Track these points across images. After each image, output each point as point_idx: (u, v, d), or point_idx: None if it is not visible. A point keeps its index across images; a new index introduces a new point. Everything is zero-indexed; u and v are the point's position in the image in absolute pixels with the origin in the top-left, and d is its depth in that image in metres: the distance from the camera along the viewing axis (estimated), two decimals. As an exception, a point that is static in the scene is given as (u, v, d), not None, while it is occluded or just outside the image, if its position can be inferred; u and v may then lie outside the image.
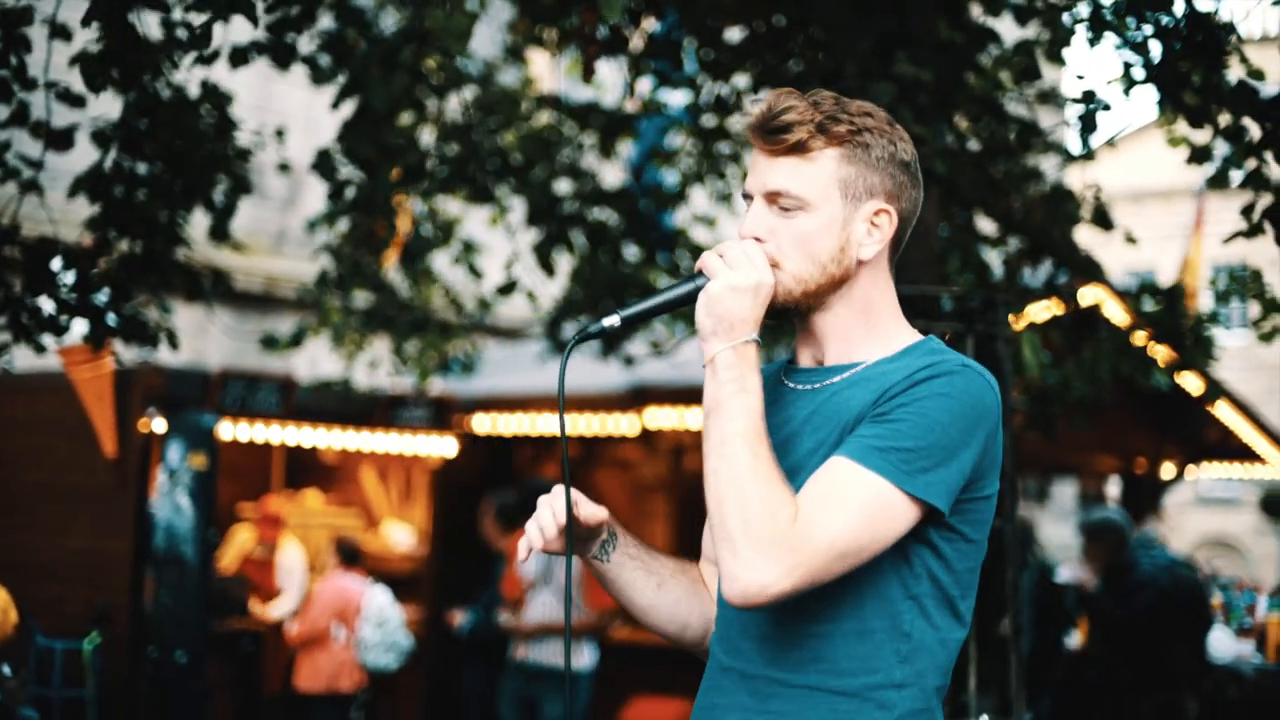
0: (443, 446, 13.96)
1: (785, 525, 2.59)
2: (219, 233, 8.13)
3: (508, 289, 10.62)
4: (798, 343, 3.00)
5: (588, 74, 8.72)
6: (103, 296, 7.54)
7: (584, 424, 14.20)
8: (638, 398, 13.55)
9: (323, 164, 9.21)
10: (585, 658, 10.34)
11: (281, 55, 8.00)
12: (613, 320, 2.86)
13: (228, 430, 11.91)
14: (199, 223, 8.26)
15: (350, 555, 11.94)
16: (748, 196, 2.91)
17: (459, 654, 11.99)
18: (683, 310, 2.94)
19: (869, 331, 2.91)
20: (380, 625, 11.46)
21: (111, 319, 7.54)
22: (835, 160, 2.82)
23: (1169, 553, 11.49)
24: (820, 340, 2.93)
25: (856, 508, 2.62)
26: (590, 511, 2.97)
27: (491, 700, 11.07)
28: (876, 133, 2.84)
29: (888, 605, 2.75)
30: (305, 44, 8.49)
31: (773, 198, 2.84)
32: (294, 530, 13.84)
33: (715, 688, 2.90)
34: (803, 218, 2.82)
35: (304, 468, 14.92)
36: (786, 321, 2.94)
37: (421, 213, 10.94)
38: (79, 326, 7.55)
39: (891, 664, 2.75)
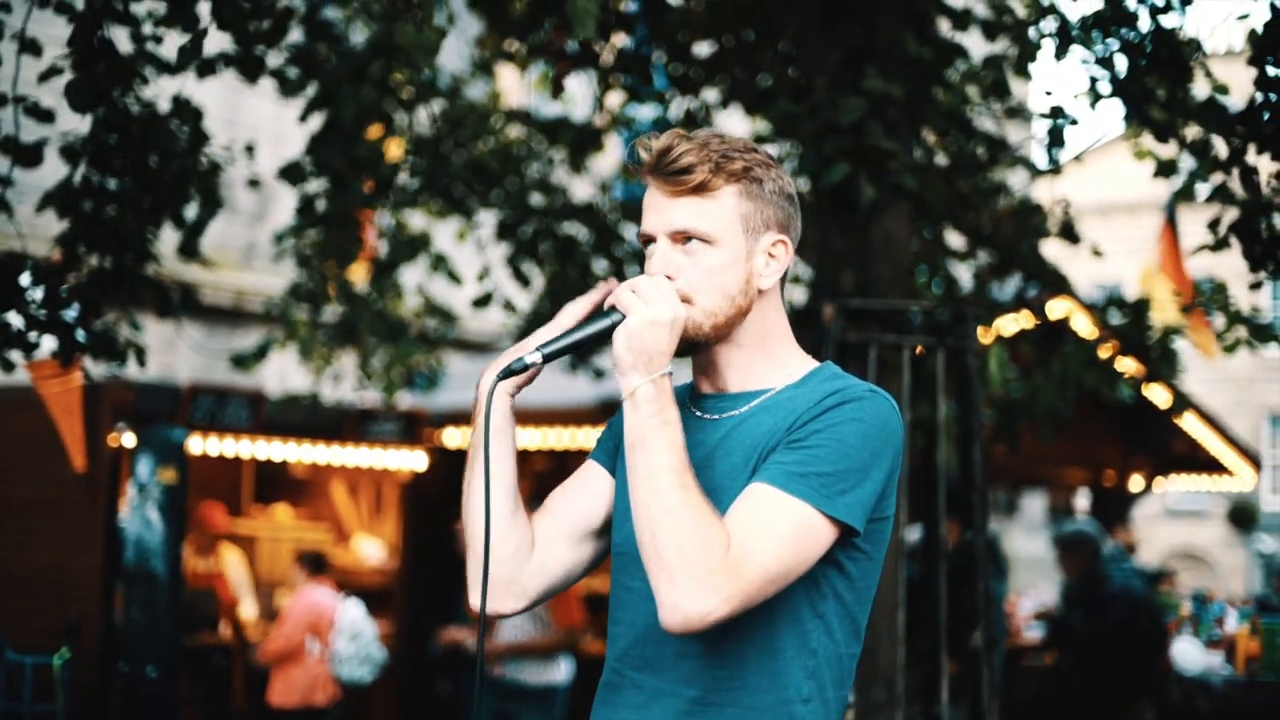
0: (413, 460, 13.95)
1: (720, 555, 2.66)
2: (189, 249, 8.12)
3: (484, 301, 10.62)
4: (695, 371, 3.08)
5: (557, 89, 8.73)
6: (72, 312, 7.52)
7: (554, 437, 14.22)
8: (607, 411, 13.56)
9: (292, 173, 9.19)
10: (561, 672, 10.33)
11: (250, 68, 8.00)
12: (534, 356, 2.93)
13: (197, 445, 11.89)
14: (168, 238, 8.25)
15: (316, 565, 11.91)
16: (647, 237, 2.99)
17: (435, 665, 11.99)
18: None
19: (768, 358, 3.01)
20: (354, 638, 11.44)
21: (80, 335, 7.52)
22: (734, 196, 2.92)
23: (1134, 564, 11.54)
24: (721, 370, 3.02)
25: (785, 533, 2.72)
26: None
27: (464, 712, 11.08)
28: (764, 167, 2.95)
29: (797, 625, 2.85)
30: (274, 58, 8.48)
31: (678, 236, 2.93)
32: (264, 544, 13.83)
33: (625, 703, 2.96)
34: (710, 253, 2.91)
35: (274, 482, 14.90)
36: (688, 355, 3.00)
37: (388, 226, 10.93)
38: (48, 343, 7.53)
39: (799, 679, 2.85)
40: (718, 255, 2.90)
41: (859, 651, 2.96)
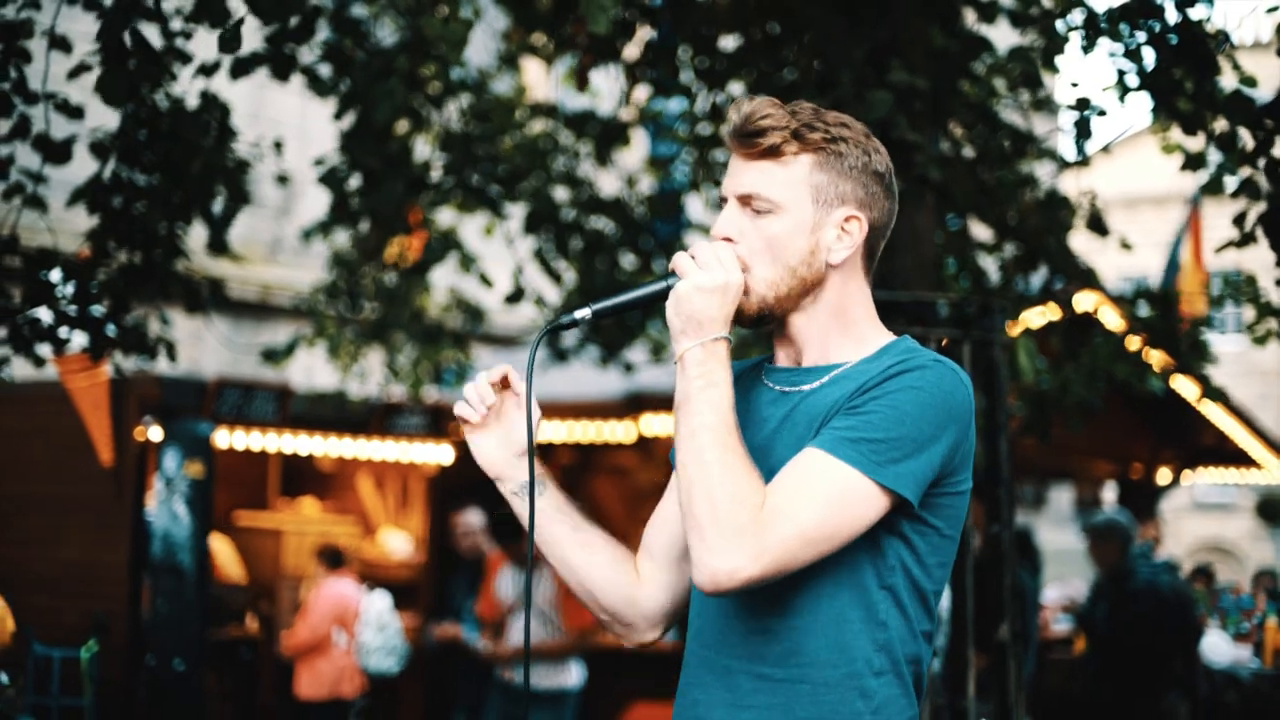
0: (439, 454, 13.97)
1: (751, 512, 2.64)
2: (217, 244, 8.14)
3: (515, 297, 10.62)
4: (775, 344, 3.04)
5: (581, 83, 8.72)
6: (101, 307, 7.55)
7: (580, 431, 14.21)
8: (634, 404, 13.56)
9: (330, 178, 9.24)
10: (573, 676, 10.31)
11: (281, 66, 8.02)
12: (584, 312, 2.92)
13: (224, 439, 11.92)
14: (196, 234, 8.27)
15: (334, 559, 11.95)
16: (723, 199, 2.96)
17: (455, 664, 11.99)
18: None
19: (844, 334, 2.95)
20: (381, 629, 11.47)
21: (110, 330, 7.55)
22: (808, 166, 2.87)
23: (1165, 559, 11.51)
24: (796, 342, 2.98)
25: (824, 495, 2.68)
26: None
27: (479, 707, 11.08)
28: (851, 143, 2.90)
29: (863, 595, 2.80)
30: (304, 55, 8.50)
31: (745, 200, 2.89)
32: (290, 538, 13.84)
33: (696, 683, 2.94)
34: (773, 220, 2.87)
35: (300, 476, 14.93)
36: (763, 327, 2.98)
37: (417, 223, 10.95)
38: (78, 338, 7.56)
39: (870, 651, 2.80)
40: (780, 223, 2.86)
41: (934, 630, 2.91)
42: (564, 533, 3.10)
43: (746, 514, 2.64)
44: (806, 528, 2.66)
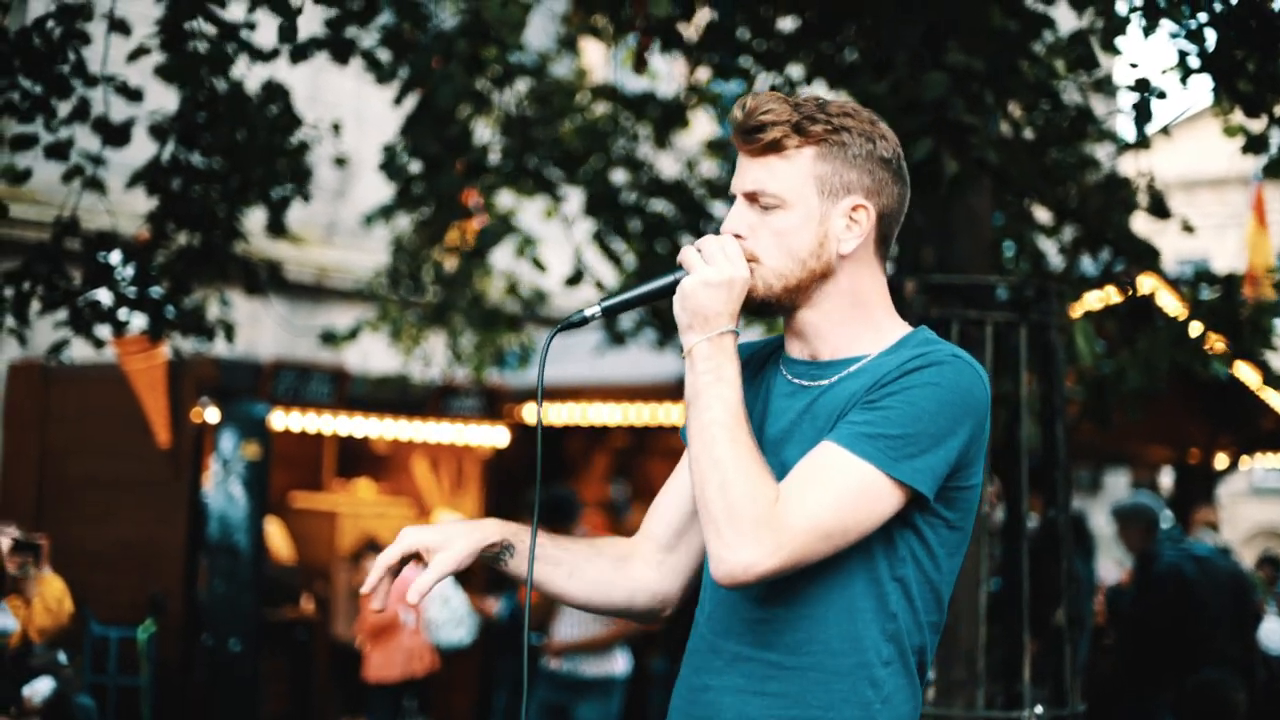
0: (494, 436, 14.00)
1: (766, 507, 2.66)
2: (276, 226, 8.17)
3: (575, 279, 10.62)
4: (787, 335, 3.04)
5: (640, 64, 8.71)
6: (160, 289, 7.59)
7: (634, 414, 14.22)
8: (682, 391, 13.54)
9: (390, 165, 9.27)
10: (619, 664, 10.31)
11: (340, 50, 8.05)
12: (593, 309, 2.92)
13: (280, 420, 11.97)
14: (254, 216, 8.30)
15: (376, 547, 12.01)
16: (732, 196, 2.96)
17: (495, 641, 12.02)
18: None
19: (860, 324, 2.95)
20: (446, 603, 11.52)
21: (169, 312, 7.59)
22: (811, 158, 2.87)
23: (1206, 544, 11.42)
24: (808, 335, 2.97)
25: (840, 490, 2.70)
26: (455, 557, 2.96)
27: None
28: (855, 131, 2.89)
29: (875, 585, 2.82)
30: (364, 39, 8.53)
31: (752, 196, 2.90)
32: (345, 519, 13.90)
33: (706, 668, 2.95)
34: (780, 215, 2.88)
35: (356, 457, 14.97)
36: (771, 316, 2.99)
37: (476, 206, 10.96)
38: (137, 320, 7.60)
39: (879, 641, 2.82)
40: (787, 217, 2.87)
41: (942, 622, 2.93)
42: (543, 572, 3.07)
43: (761, 509, 2.66)
44: (823, 522, 2.68)
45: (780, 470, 2.77)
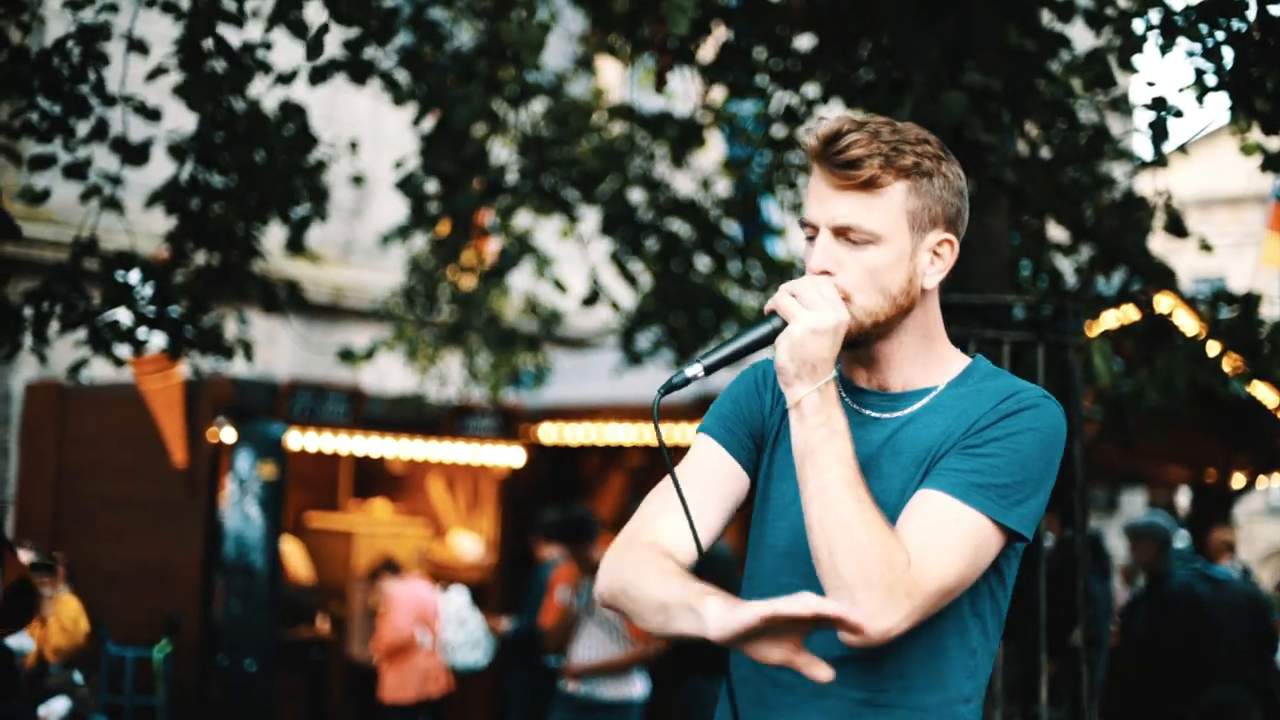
0: (510, 456, 13.99)
1: (900, 571, 2.61)
2: (295, 245, 8.18)
3: (591, 300, 10.62)
4: (849, 362, 2.98)
5: (660, 83, 8.72)
6: (179, 308, 7.60)
7: (650, 434, 14.19)
8: (703, 408, 13.47)
9: (407, 185, 9.29)
10: (637, 688, 10.28)
11: (358, 71, 8.07)
12: (695, 369, 2.81)
13: (296, 440, 11.98)
14: (272, 235, 8.31)
15: (393, 566, 12.02)
16: (809, 225, 2.88)
17: (506, 659, 12.00)
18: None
19: (928, 355, 2.92)
20: (462, 624, 11.52)
21: (188, 331, 7.60)
22: (903, 193, 2.80)
23: (1225, 567, 11.41)
24: (881, 366, 2.93)
25: (962, 546, 2.68)
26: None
27: (535, 705, 11.07)
28: (935, 160, 2.83)
29: (959, 623, 2.80)
30: (381, 60, 8.55)
31: (841, 231, 2.82)
32: (361, 539, 13.90)
33: (776, 704, 2.88)
34: (873, 251, 2.80)
35: (372, 477, 14.97)
36: (844, 350, 2.90)
37: (494, 225, 10.96)
38: (156, 339, 7.62)
39: (961, 679, 2.81)
40: (881, 254, 2.80)
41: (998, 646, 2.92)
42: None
43: (896, 574, 2.61)
44: (949, 580, 2.67)
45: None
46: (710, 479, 3.05)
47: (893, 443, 2.85)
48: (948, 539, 2.66)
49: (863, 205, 2.79)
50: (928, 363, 2.91)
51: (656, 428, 2.90)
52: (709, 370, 2.81)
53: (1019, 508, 2.70)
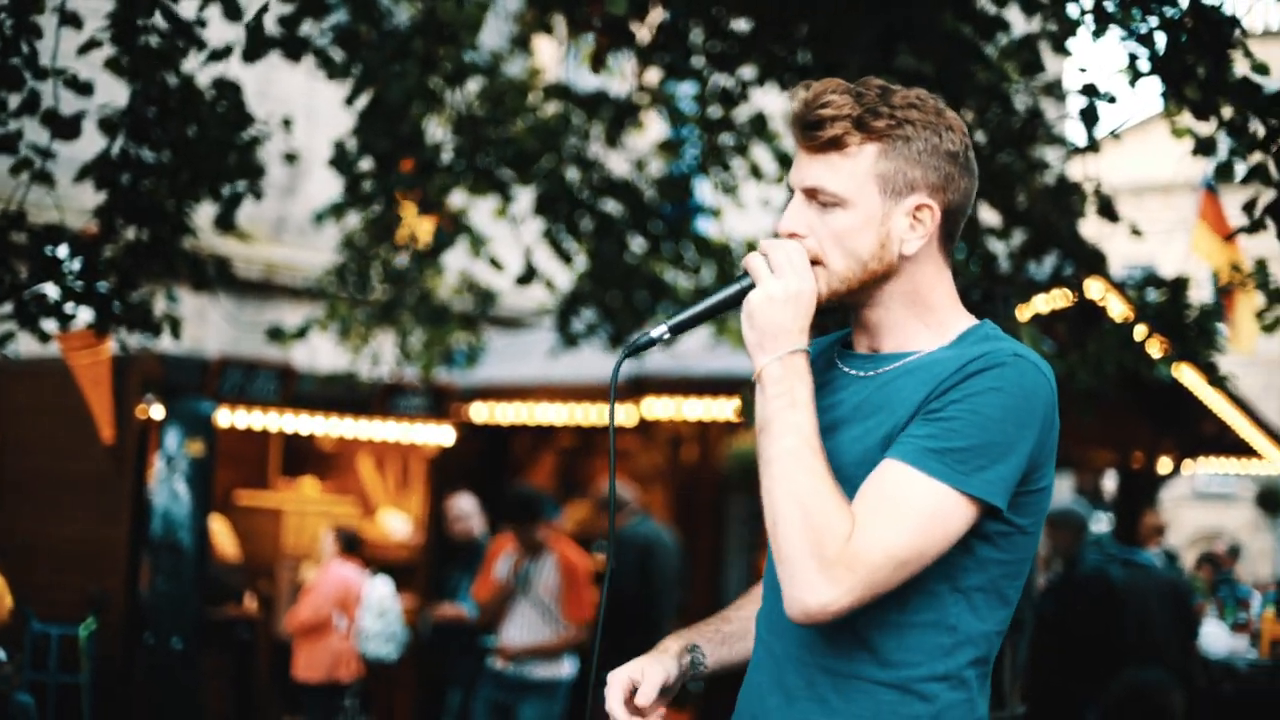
0: (440, 435, 13.96)
1: (841, 544, 2.57)
2: (225, 222, 8.13)
3: (527, 279, 10.58)
4: (853, 330, 2.96)
5: (598, 63, 8.69)
6: (107, 284, 7.54)
7: (581, 414, 14.21)
8: (635, 388, 13.56)
9: (340, 161, 9.24)
10: (566, 668, 10.31)
11: (293, 48, 8.02)
12: (661, 329, 2.82)
13: (225, 417, 11.91)
14: (203, 212, 8.26)
15: (350, 543, 11.97)
16: (790, 188, 2.87)
17: (451, 646, 11.97)
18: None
19: (923, 321, 2.86)
20: (381, 615, 11.47)
21: (116, 306, 7.54)
22: (873, 156, 2.76)
23: (1148, 553, 11.57)
24: (873, 331, 2.89)
25: (915, 516, 2.61)
26: (655, 687, 2.94)
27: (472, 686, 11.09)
28: (920, 125, 2.78)
29: (933, 599, 2.73)
30: (317, 36, 8.51)
31: (811, 193, 2.80)
32: (290, 517, 13.85)
33: (759, 665, 2.90)
34: (841, 214, 2.77)
35: (301, 455, 14.92)
36: (835, 314, 2.92)
37: (433, 204, 10.92)
38: (84, 314, 7.55)
39: (934, 657, 2.74)
40: (848, 217, 2.77)
41: (1009, 615, 2.83)
42: (725, 656, 3.08)
43: (836, 547, 2.57)
44: (898, 553, 2.60)
45: (830, 457, 2.67)
46: None
47: (865, 403, 2.81)
48: (896, 508, 2.60)
49: (830, 167, 2.77)
50: (921, 328, 2.86)
51: (613, 390, 2.91)
52: (675, 331, 2.82)
53: (981, 473, 2.62)
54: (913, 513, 2.60)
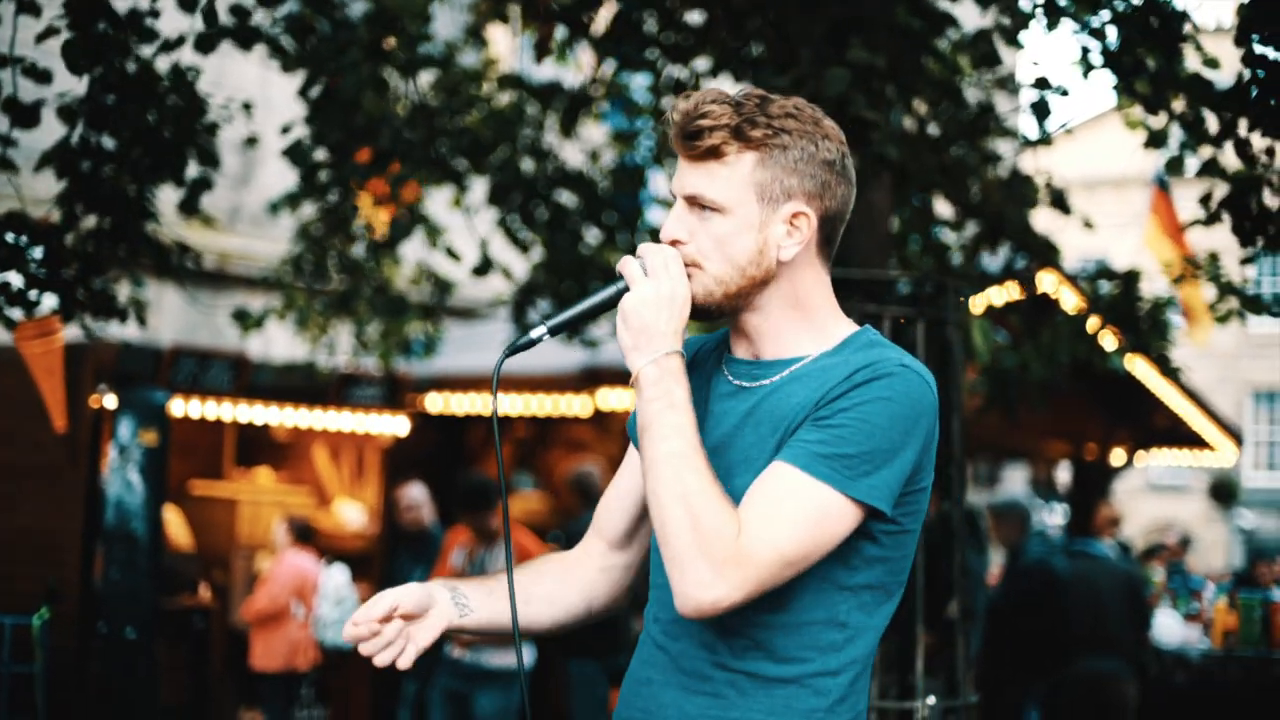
0: (395, 425, 13.95)
1: (729, 542, 2.63)
2: (189, 207, 8.11)
3: (483, 269, 10.57)
4: (732, 334, 3.01)
5: (541, 53, 8.70)
6: (70, 271, 7.53)
7: (536, 404, 14.22)
8: (590, 379, 13.58)
9: (295, 152, 9.22)
10: (524, 656, 10.32)
11: (245, 38, 8.01)
12: (540, 331, 2.88)
13: (179, 407, 11.88)
14: (167, 197, 8.24)
15: (303, 533, 11.97)
16: (672, 195, 2.94)
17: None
18: None
19: (804, 326, 2.93)
20: (339, 603, 11.46)
21: (80, 293, 7.53)
22: (751, 164, 2.83)
23: (1100, 544, 11.66)
24: (752, 337, 2.95)
25: (801, 517, 2.68)
26: (397, 600, 3.00)
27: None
28: (796, 134, 2.84)
29: (824, 597, 2.80)
30: (268, 25, 8.49)
31: (691, 200, 2.87)
32: (245, 507, 13.81)
33: (652, 662, 2.95)
34: (719, 221, 2.84)
35: (256, 445, 14.87)
36: (711, 320, 2.96)
37: (380, 196, 10.90)
38: (47, 301, 7.54)
39: (827, 653, 2.81)
40: (726, 224, 2.83)
41: (894, 609, 2.91)
42: (503, 610, 3.07)
43: (726, 544, 2.63)
44: (786, 551, 2.66)
45: (721, 474, 2.74)
46: (614, 480, 3.26)
47: (754, 413, 2.87)
48: (784, 509, 2.67)
49: (708, 175, 2.83)
50: (802, 334, 2.92)
51: (494, 390, 2.95)
52: (554, 332, 2.88)
53: (866, 479, 2.70)
54: (801, 514, 2.68)
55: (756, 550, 2.64)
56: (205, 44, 7.82)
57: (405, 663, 2.97)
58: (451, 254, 11.04)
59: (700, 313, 2.89)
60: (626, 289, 2.84)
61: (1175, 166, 7.95)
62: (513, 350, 2.90)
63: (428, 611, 3.00)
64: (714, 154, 2.82)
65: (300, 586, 11.64)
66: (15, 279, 7.40)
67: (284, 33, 8.75)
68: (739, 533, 2.64)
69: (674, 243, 2.88)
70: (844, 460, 2.69)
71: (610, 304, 2.87)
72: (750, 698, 2.80)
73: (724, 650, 2.82)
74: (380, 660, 2.96)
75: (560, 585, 3.17)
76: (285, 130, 9.40)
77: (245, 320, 11.72)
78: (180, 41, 7.64)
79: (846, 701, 2.83)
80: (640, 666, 2.97)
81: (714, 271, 2.85)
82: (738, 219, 2.83)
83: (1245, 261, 7.26)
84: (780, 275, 2.88)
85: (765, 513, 2.67)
